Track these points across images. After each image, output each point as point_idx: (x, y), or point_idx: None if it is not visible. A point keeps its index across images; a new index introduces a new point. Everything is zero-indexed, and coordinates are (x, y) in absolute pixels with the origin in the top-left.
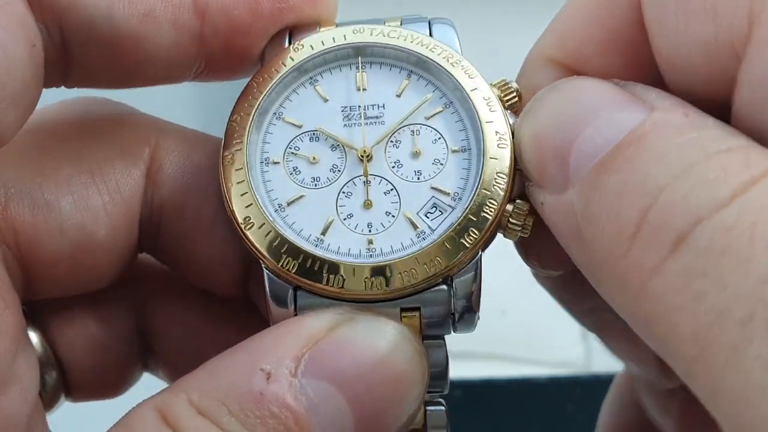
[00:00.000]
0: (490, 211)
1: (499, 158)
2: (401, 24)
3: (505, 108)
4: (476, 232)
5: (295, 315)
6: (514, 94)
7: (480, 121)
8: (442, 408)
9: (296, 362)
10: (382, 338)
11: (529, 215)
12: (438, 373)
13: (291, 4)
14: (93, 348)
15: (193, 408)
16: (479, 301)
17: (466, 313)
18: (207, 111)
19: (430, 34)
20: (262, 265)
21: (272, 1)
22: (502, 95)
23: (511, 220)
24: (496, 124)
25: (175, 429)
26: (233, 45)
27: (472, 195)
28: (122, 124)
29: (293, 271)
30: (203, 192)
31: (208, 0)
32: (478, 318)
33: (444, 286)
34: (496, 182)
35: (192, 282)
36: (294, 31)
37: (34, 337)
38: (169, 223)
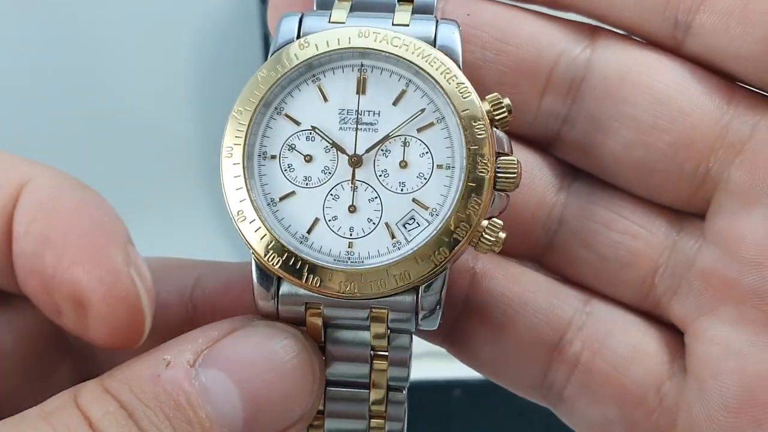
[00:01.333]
0: (462, 233)
1: (478, 184)
2: (411, 13)
3: (495, 124)
4: (446, 251)
5: (276, 298)
6: (505, 110)
7: (466, 145)
8: (402, 400)
9: (195, 356)
10: (275, 336)
11: (502, 231)
12: (400, 372)
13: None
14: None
15: (101, 387)
16: (442, 306)
17: (429, 316)
18: (207, 111)
19: (435, 33)
20: (251, 254)
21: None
22: (493, 110)
23: (484, 235)
24: (481, 149)
25: (79, 405)
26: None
27: (447, 214)
28: None
29: (277, 266)
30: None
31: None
32: (441, 319)
33: (411, 295)
34: (471, 206)
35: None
36: (304, 17)
37: None
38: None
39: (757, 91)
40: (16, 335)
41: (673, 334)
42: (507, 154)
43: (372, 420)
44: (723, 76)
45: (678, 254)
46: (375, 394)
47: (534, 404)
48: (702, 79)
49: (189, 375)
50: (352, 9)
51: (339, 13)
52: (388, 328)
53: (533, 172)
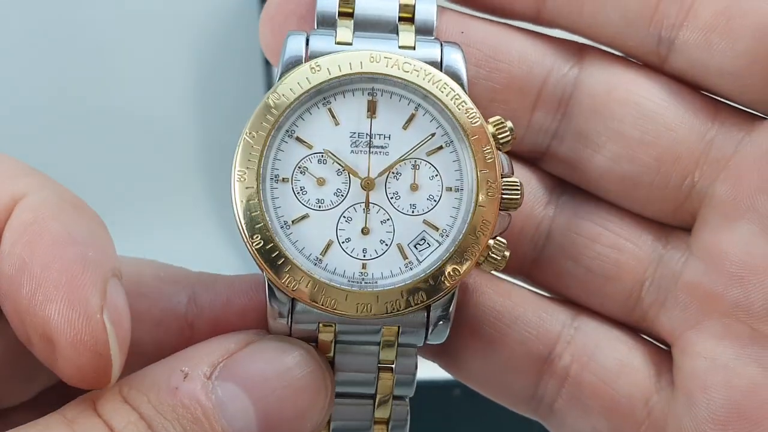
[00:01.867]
0: (472, 255)
1: (487, 206)
2: (415, 39)
3: (498, 146)
4: (458, 271)
5: (290, 316)
6: (508, 133)
7: (476, 169)
8: (406, 404)
9: (212, 368)
10: (288, 353)
11: (506, 250)
12: (405, 379)
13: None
14: None
15: (119, 397)
16: (450, 321)
17: (437, 330)
18: (207, 111)
19: (441, 56)
20: (265, 275)
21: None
22: (497, 133)
23: (491, 254)
24: (489, 173)
25: (99, 412)
26: None
27: (458, 236)
28: None
29: (293, 288)
30: None
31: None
32: (448, 331)
33: (423, 312)
34: (481, 229)
35: None
36: (310, 37)
37: None
38: None
39: (740, 108)
40: (4, 339)
41: (657, 349)
42: (509, 176)
43: (376, 429)
44: (707, 92)
45: (664, 268)
46: (379, 402)
47: None
48: (687, 95)
49: (206, 388)
50: (355, 28)
51: (344, 32)
52: (398, 342)
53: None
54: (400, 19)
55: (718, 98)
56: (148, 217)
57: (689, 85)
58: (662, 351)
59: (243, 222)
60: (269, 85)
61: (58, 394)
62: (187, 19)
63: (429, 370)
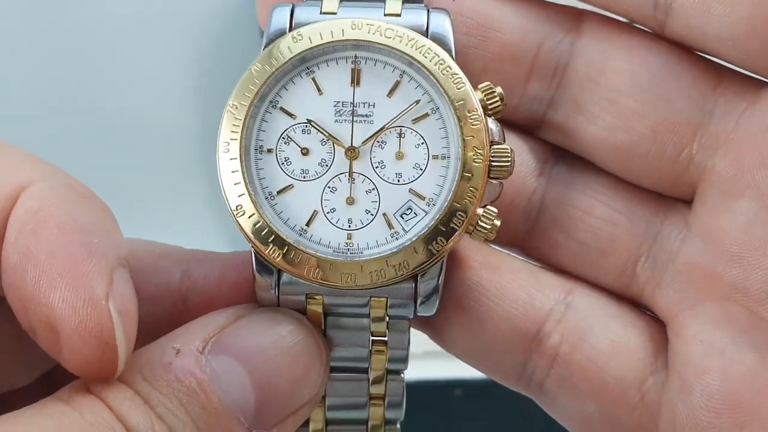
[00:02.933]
0: (459, 223)
1: (474, 173)
2: (402, 3)
3: (488, 113)
4: (443, 240)
5: (276, 288)
6: (498, 99)
7: (461, 136)
8: (402, 380)
9: (204, 343)
10: (280, 322)
11: (497, 219)
12: (399, 355)
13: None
14: None
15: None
16: (440, 291)
17: (427, 302)
18: (207, 110)
19: (427, 22)
20: (251, 247)
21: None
22: (486, 100)
23: (480, 223)
24: (476, 139)
25: (95, 392)
26: None
27: (444, 205)
28: None
29: (277, 259)
30: None
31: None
32: (438, 303)
33: (410, 283)
34: (468, 196)
35: None
36: (295, 8)
37: None
38: None
39: (746, 73)
40: (6, 324)
41: (657, 326)
42: (500, 143)
43: (372, 405)
44: (709, 59)
45: (662, 244)
46: (374, 376)
47: (535, 404)
48: (687, 63)
49: (199, 362)
50: None
51: (330, 2)
52: (387, 314)
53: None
54: None
55: (723, 64)
56: (148, 216)
57: (691, 51)
58: (659, 330)
59: (228, 193)
60: None
61: (56, 379)
62: (186, 19)
63: (429, 370)
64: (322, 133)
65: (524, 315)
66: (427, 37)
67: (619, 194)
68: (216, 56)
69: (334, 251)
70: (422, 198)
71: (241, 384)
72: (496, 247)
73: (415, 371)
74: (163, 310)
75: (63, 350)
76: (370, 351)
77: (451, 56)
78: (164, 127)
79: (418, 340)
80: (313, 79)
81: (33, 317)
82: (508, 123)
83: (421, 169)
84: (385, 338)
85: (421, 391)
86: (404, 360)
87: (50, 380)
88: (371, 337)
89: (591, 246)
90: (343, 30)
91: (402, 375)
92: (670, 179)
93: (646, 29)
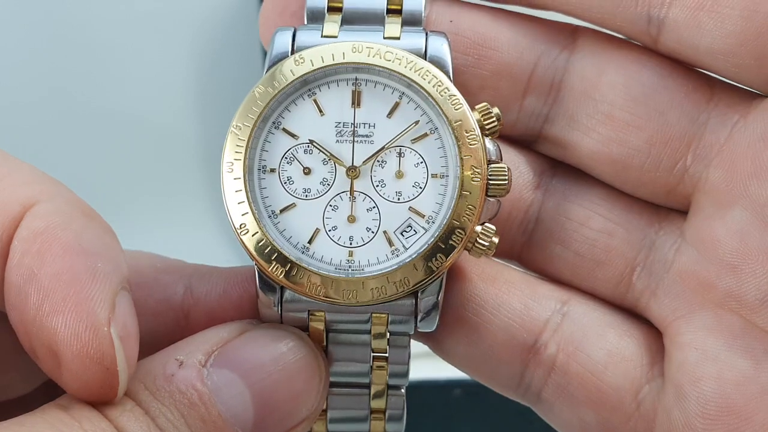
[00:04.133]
0: (458, 240)
1: (472, 192)
2: (401, 27)
3: (485, 133)
4: (443, 257)
5: (279, 305)
6: (494, 119)
7: (459, 155)
8: (402, 394)
9: (207, 356)
10: (281, 339)
11: (495, 236)
12: (399, 370)
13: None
14: None
15: None
16: (440, 309)
17: (427, 316)
18: (207, 110)
19: (426, 45)
20: (254, 264)
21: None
22: (483, 120)
23: (478, 240)
24: (473, 158)
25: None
26: None
27: (443, 222)
28: None
29: (280, 276)
30: None
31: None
32: (438, 320)
33: (411, 299)
34: (466, 214)
35: None
36: (297, 32)
37: None
38: None
39: (738, 85)
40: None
41: (654, 334)
42: (497, 162)
43: (373, 418)
44: (702, 73)
45: (657, 254)
46: (375, 390)
47: None
48: (680, 77)
49: (201, 375)
50: (343, 22)
51: (331, 26)
52: (388, 330)
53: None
54: (389, 11)
55: (716, 77)
56: (147, 216)
57: (684, 65)
58: (655, 339)
59: (231, 212)
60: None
61: (56, 387)
62: (187, 19)
63: (429, 370)
64: (323, 152)
65: (521, 325)
66: (425, 59)
67: (615, 205)
68: (216, 56)
69: (335, 268)
70: (422, 216)
71: (242, 398)
72: (494, 259)
73: (415, 371)
74: (165, 325)
75: (64, 374)
76: (371, 366)
77: (449, 78)
78: (163, 126)
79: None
80: (315, 100)
81: (35, 340)
82: (505, 138)
83: (420, 188)
84: (386, 354)
85: (421, 391)
86: (405, 375)
87: (51, 388)
88: (372, 353)
89: (587, 257)
90: (344, 53)
91: (402, 390)
92: (665, 190)
93: (639, 44)
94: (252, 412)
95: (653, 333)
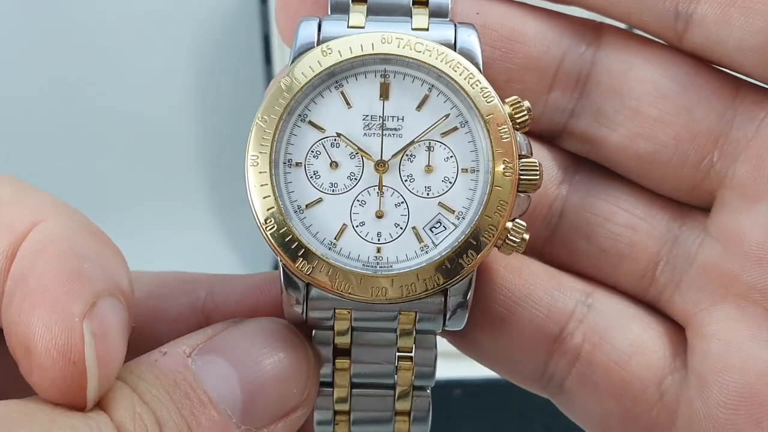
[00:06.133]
0: (490, 236)
1: (503, 186)
2: (429, 17)
3: (516, 126)
4: (474, 254)
5: (305, 303)
6: (526, 113)
7: (492, 149)
8: (428, 395)
9: (191, 348)
10: (265, 326)
11: (525, 232)
12: (426, 371)
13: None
14: None
15: None
16: (469, 306)
17: (456, 314)
18: (207, 110)
19: (455, 36)
20: (279, 261)
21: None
22: (514, 113)
23: (509, 237)
24: (505, 152)
25: None
26: None
27: (474, 218)
28: None
29: (307, 273)
30: None
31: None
32: (468, 317)
33: (439, 297)
34: (498, 210)
35: None
36: (323, 22)
37: None
38: None
39: (763, 85)
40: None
41: (676, 328)
42: (528, 156)
43: (397, 420)
44: (727, 69)
45: (680, 248)
46: (399, 391)
47: (534, 404)
48: (706, 74)
49: (185, 360)
50: (368, 12)
51: (357, 17)
52: (415, 328)
53: None
54: (414, 2)
55: (739, 76)
56: (145, 212)
57: (708, 63)
58: (678, 332)
59: (256, 207)
60: (269, 84)
61: None
62: (187, 19)
63: None
64: (351, 146)
65: (547, 316)
66: (455, 50)
67: (638, 200)
68: (216, 56)
69: (363, 265)
70: (452, 211)
71: (228, 380)
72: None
73: None
74: (188, 329)
75: (33, 371)
76: (396, 366)
77: (479, 70)
78: (164, 127)
79: None
80: (342, 92)
81: (13, 339)
82: (529, 132)
83: (450, 183)
84: (412, 353)
85: None
86: (431, 376)
87: None
88: (397, 353)
89: (611, 251)
90: (372, 44)
91: (428, 390)
92: (690, 186)
93: (663, 42)
94: (240, 393)
95: (675, 327)
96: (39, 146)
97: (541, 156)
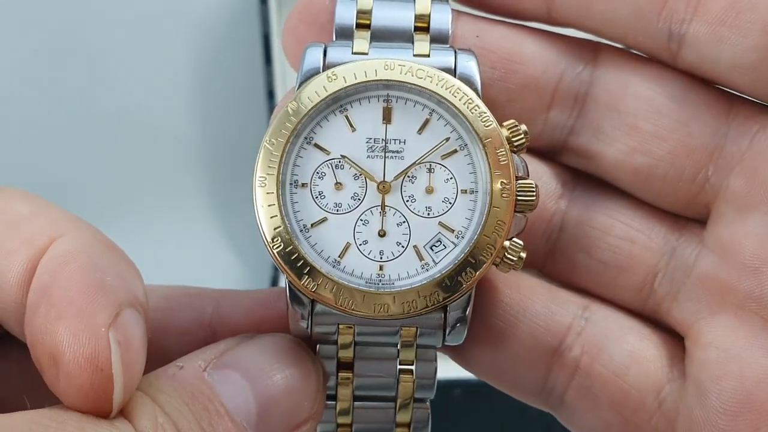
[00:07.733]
0: (487, 255)
1: (501, 207)
2: (430, 44)
3: (513, 149)
4: (472, 272)
5: (310, 318)
6: (522, 136)
7: (490, 171)
8: (427, 407)
9: (206, 363)
10: (277, 341)
11: (523, 251)
12: (426, 383)
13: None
14: None
15: None
16: (468, 322)
17: (455, 330)
18: (207, 110)
19: (455, 63)
20: (285, 277)
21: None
22: (511, 136)
23: (507, 255)
24: (503, 174)
25: None
26: None
27: (473, 237)
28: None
29: (312, 289)
30: None
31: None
32: (466, 333)
33: (440, 313)
34: (496, 230)
35: None
36: (328, 48)
37: None
38: None
39: (755, 100)
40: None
41: (673, 338)
42: (524, 178)
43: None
44: (721, 87)
45: (677, 260)
46: (400, 403)
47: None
48: (700, 90)
49: (202, 374)
50: (372, 38)
51: (360, 43)
52: (416, 343)
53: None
54: (416, 29)
55: (733, 92)
56: (144, 213)
57: (702, 80)
58: (675, 342)
59: (264, 226)
60: (269, 85)
61: None
62: (187, 19)
63: None
64: (355, 168)
65: (546, 329)
66: (455, 76)
67: (636, 214)
68: (216, 56)
69: (366, 282)
70: (451, 231)
71: (243, 393)
72: None
73: None
74: (195, 343)
75: (60, 380)
76: (397, 379)
77: (478, 95)
78: (164, 128)
79: None
80: (346, 116)
81: (39, 349)
82: (529, 149)
83: (450, 203)
84: (412, 366)
85: None
86: (431, 388)
87: None
88: (399, 366)
89: (611, 264)
90: (376, 70)
91: (427, 403)
92: (686, 199)
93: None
94: (254, 406)
95: (672, 337)
96: (39, 148)
97: (540, 172)
